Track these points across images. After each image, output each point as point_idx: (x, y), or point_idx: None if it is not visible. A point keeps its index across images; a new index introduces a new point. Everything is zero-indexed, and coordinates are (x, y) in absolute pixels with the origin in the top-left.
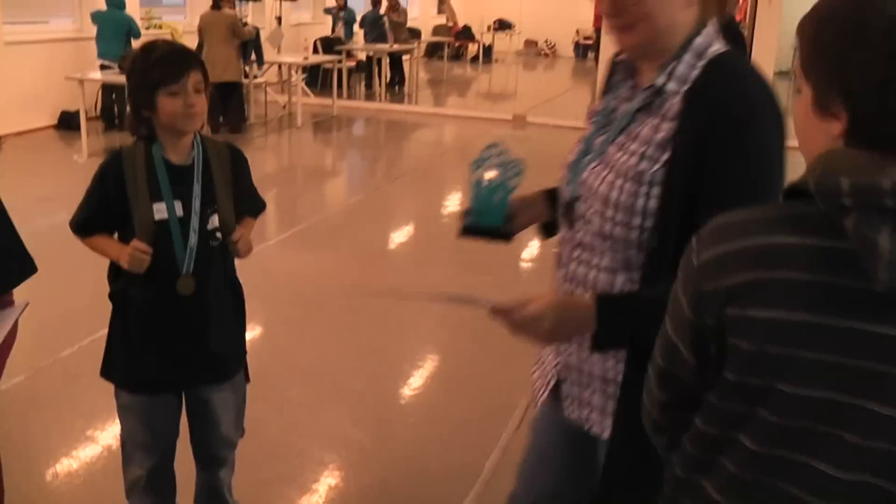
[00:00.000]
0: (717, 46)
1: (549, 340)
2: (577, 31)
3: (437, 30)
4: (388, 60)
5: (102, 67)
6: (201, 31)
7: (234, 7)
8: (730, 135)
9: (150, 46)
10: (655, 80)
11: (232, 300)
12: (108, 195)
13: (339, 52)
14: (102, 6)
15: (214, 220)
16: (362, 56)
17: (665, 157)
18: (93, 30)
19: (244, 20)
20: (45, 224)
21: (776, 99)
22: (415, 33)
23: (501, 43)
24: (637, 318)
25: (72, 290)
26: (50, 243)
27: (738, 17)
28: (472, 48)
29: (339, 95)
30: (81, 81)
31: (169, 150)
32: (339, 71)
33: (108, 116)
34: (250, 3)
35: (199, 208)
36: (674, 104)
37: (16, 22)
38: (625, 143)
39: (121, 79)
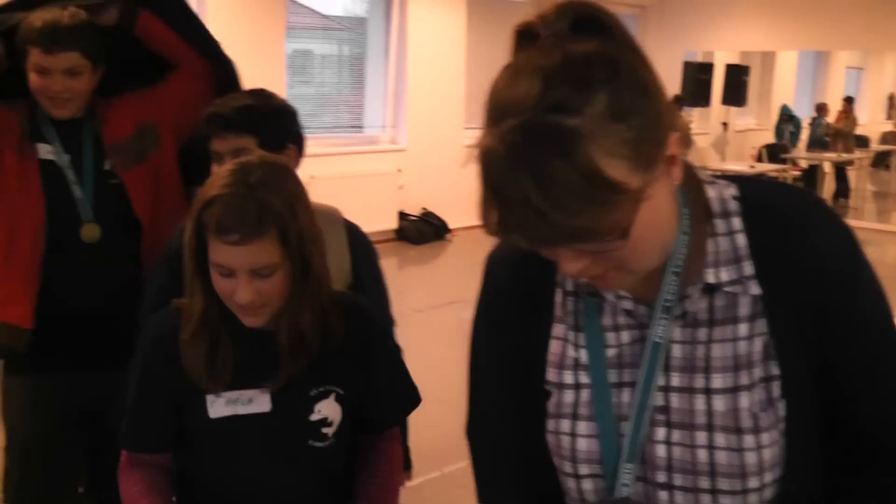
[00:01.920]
0: (725, 187)
1: None
2: None
3: (885, 137)
4: (833, 170)
5: None
6: None
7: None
8: (856, 300)
9: None
10: (705, 278)
11: None
12: None
13: (785, 161)
14: None
15: None
16: (805, 164)
17: (775, 370)
18: None
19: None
20: None
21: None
22: (862, 141)
23: None
24: None
25: None
26: None
27: None
28: None
29: None
30: None
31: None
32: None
33: None
34: (696, 109)
35: None
36: (742, 298)
37: (477, 127)
38: (693, 383)
39: None
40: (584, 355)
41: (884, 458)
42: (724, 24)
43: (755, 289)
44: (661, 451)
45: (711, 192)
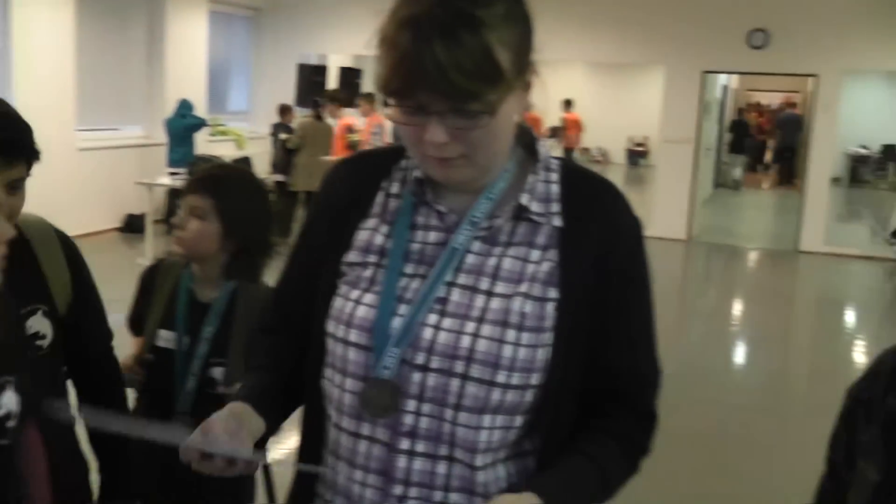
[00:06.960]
0: (549, 149)
1: None
2: (629, 139)
3: None
4: None
5: (172, 174)
6: (303, 138)
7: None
8: (635, 263)
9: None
10: (519, 200)
11: None
12: (140, 304)
13: None
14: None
15: (215, 373)
16: None
17: (553, 294)
18: (160, 136)
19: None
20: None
21: None
22: None
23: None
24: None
25: None
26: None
27: None
28: None
29: None
30: (150, 186)
31: (197, 279)
32: None
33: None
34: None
35: (204, 353)
36: (543, 229)
37: (88, 129)
38: (477, 284)
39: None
40: (389, 244)
41: (624, 404)
42: (337, 27)
43: (557, 221)
44: (427, 333)
45: (540, 147)
